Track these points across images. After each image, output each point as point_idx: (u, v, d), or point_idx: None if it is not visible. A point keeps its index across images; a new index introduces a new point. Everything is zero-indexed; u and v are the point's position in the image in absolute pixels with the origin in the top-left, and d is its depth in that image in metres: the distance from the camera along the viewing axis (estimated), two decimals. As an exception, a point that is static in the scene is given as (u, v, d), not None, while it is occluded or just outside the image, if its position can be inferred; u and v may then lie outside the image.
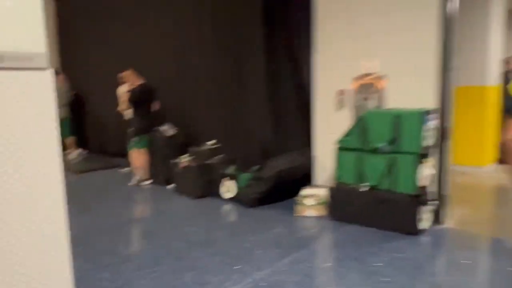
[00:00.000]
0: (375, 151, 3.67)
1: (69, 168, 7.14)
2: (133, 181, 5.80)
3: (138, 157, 5.86)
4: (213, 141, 5.41)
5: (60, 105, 7.89)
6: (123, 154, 7.11)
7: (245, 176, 4.72)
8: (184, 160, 5.24)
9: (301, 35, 4.59)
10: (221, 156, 5.14)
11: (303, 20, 4.59)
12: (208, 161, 5.13)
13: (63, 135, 8.06)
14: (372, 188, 3.72)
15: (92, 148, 8.86)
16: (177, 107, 6.31)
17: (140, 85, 5.81)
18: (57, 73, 8.20)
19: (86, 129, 8.85)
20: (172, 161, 5.40)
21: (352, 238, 3.57)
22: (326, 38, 4.40)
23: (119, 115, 6.72)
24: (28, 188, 1.64)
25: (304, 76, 4.62)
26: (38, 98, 1.65)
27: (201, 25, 5.81)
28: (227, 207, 4.71)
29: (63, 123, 7.96)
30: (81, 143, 8.77)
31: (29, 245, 1.64)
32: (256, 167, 4.87)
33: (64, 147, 8.22)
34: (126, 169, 6.76)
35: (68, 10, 9.07)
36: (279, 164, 4.38)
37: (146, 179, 5.89)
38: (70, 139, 8.20)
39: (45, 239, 1.70)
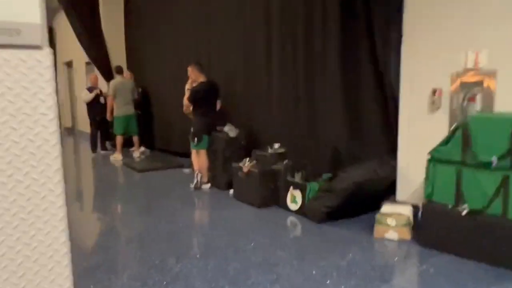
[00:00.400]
0: (482, 166, 2.90)
1: (132, 167, 7.02)
2: (194, 183, 5.45)
3: (198, 159, 5.50)
4: (278, 145, 4.88)
5: (127, 102, 7.84)
6: (187, 153, 6.85)
7: (314, 186, 4.13)
8: (246, 164, 4.77)
9: (386, 21, 3.89)
10: (286, 161, 4.59)
11: (388, 6, 3.89)
12: (273, 167, 4.61)
13: (129, 132, 8.02)
14: (476, 211, 2.96)
15: (157, 146, 8.76)
16: (240, 107, 5.88)
17: (202, 83, 5.45)
18: (123, 69, 8.16)
19: (152, 127, 8.76)
20: (233, 164, 4.96)
21: (446, 272, 2.84)
22: (417, 24, 3.67)
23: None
24: (26, 191, 1.20)
25: (389, 72, 3.91)
26: (30, 88, 1.17)
27: (269, 19, 5.30)
28: (292, 220, 4.16)
29: (129, 120, 7.93)
30: (146, 141, 8.71)
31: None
32: (327, 175, 4.26)
33: (129, 145, 8.18)
34: (188, 170, 6.48)
35: (135, 4, 9.07)
36: (355, 174, 3.72)
37: (206, 182, 5.51)
38: (136, 137, 8.13)
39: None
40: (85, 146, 9.92)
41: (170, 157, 7.92)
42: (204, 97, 5.39)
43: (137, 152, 8.17)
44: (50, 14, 13.61)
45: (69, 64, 13.61)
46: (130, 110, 7.93)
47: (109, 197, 5.43)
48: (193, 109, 5.55)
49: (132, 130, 8.04)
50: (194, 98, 5.39)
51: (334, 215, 3.87)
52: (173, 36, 7.67)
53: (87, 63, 11.01)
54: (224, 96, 5.76)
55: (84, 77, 11.39)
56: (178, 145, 7.80)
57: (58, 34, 14.18)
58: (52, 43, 14.34)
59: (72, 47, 12.10)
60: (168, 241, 3.58)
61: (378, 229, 3.52)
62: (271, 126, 5.33)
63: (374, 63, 4.06)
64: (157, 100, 8.54)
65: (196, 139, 5.43)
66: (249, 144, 5.40)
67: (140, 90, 8.47)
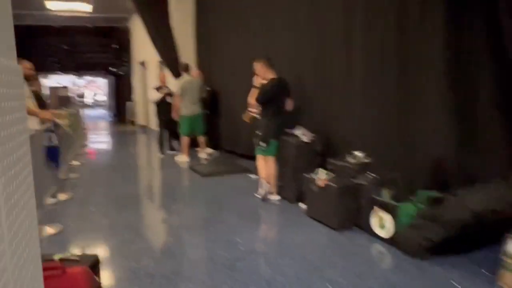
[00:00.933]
0: None
1: (196, 170, 6.56)
2: (259, 192, 4.80)
3: (265, 166, 4.83)
4: (362, 154, 4.03)
5: (194, 102, 7.42)
6: (254, 157, 6.25)
7: (408, 209, 3.24)
8: (322, 176, 3.99)
9: None
10: (372, 175, 3.74)
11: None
12: (354, 181, 3.79)
13: (195, 133, 7.60)
14: None
15: (223, 147, 8.27)
16: (313, 107, 5.08)
17: (272, 80, 4.76)
18: (190, 68, 7.76)
19: (219, 127, 8.28)
20: (306, 175, 4.21)
21: None
22: None
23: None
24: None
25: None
26: None
27: (350, 4, 4.44)
28: (380, 251, 3.31)
29: (195, 120, 7.51)
30: (213, 142, 8.25)
31: None
32: (424, 194, 3.34)
33: (196, 145, 7.78)
34: (255, 176, 5.85)
35: (206, 3, 8.64)
36: (471, 199, 2.77)
37: (274, 193, 4.83)
38: (202, 138, 7.69)
39: None
40: (155, 144, 9.78)
41: (236, 159, 7.37)
42: (274, 96, 4.70)
43: (203, 153, 7.74)
44: (126, 15, 13.85)
45: (143, 64, 13.76)
46: (197, 109, 7.51)
47: (167, 206, 4.97)
48: (262, 109, 4.89)
49: (199, 130, 7.61)
50: (263, 97, 4.73)
51: (437, 249, 2.97)
52: (243, 34, 7.08)
53: (160, 62, 10.90)
54: (296, 94, 5.02)
55: (156, 76, 11.32)
56: (245, 147, 7.21)
57: (133, 34, 14.44)
58: (128, 43, 14.64)
59: (146, 46, 12.13)
60: (226, 270, 2.95)
61: (504, 276, 2.56)
62: (352, 130, 4.48)
63: (499, 55, 3.04)
64: (225, 100, 8.03)
65: (263, 143, 4.76)
66: (324, 152, 4.61)
67: (208, 89, 8.02)
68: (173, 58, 8.96)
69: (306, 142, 4.62)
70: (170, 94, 8.15)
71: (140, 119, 14.52)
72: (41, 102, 5.85)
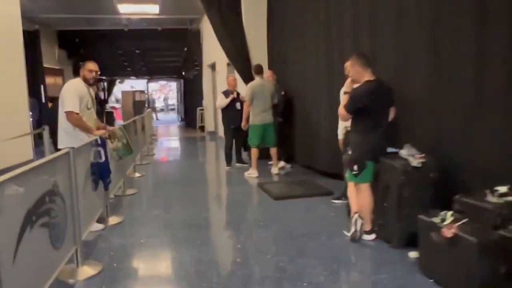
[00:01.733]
0: None
1: (267, 190, 5.59)
2: (351, 229, 3.68)
3: (359, 196, 3.71)
4: (507, 188, 2.77)
5: (265, 108, 6.49)
6: (338, 175, 5.16)
7: None
8: (447, 220, 2.79)
9: None
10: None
11: None
12: (501, 232, 2.55)
13: (266, 143, 6.66)
14: None
15: (298, 161, 7.23)
16: (426, 119, 3.84)
17: (368, 83, 3.63)
18: (262, 69, 6.82)
19: (293, 138, 7.25)
20: (423, 217, 3.02)
21: None
22: None
23: (335, 122, 4.79)
24: None
25: None
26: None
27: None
28: None
29: (267, 129, 6.57)
30: (286, 154, 7.24)
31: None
32: None
33: (267, 157, 6.83)
34: (340, 202, 4.77)
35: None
36: None
37: (369, 231, 3.69)
38: (274, 149, 6.71)
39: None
40: (223, 154, 9.03)
41: (314, 177, 6.30)
42: (370, 104, 3.56)
43: (275, 167, 6.76)
44: (196, 16, 13.39)
45: (213, 67, 13.17)
46: (268, 117, 6.56)
47: (230, 244, 4.05)
48: (352, 121, 3.79)
49: (270, 141, 6.65)
50: (355, 105, 3.61)
51: None
52: (323, 29, 5.98)
53: (228, 64, 10.15)
54: (400, 102, 3.84)
55: (225, 80, 10.59)
56: (325, 162, 6.12)
57: (204, 36, 13.93)
58: (198, 45, 14.16)
59: (216, 48, 11.48)
60: None
61: None
62: (487, 151, 3.20)
63: None
64: (301, 106, 6.99)
65: (356, 166, 3.64)
66: (443, 180, 3.38)
67: (282, 93, 7.05)
68: (243, 59, 8.11)
69: (416, 167, 3.41)
70: (239, 99, 7.29)
71: (209, 125, 13.97)
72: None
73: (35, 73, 12.18)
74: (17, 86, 8.18)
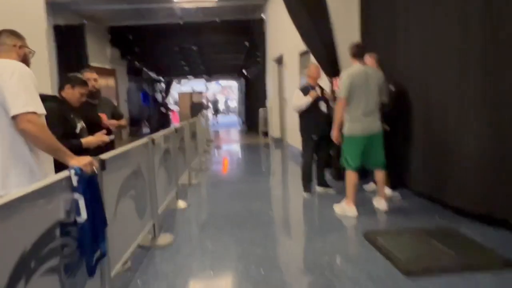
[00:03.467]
0: None
1: (382, 249, 3.29)
2: None
3: None
4: None
5: (369, 110, 4.21)
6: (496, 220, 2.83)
7: None
8: None
9: None
10: None
11: None
12: None
13: (370, 163, 4.39)
14: None
15: (412, 187, 4.86)
16: None
17: None
18: (364, 50, 4.50)
19: (409, 156, 4.86)
20: None
21: None
22: None
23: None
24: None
25: None
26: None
27: None
28: None
29: (371, 143, 4.27)
30: (398, 176, 4.89)
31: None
32: None
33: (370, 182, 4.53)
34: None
35: None
36: None
37: None
38: (381, 173, 4.39)
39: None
40: (294, 169, 6.82)
41: (452, 218, 3.92)
42: None
43: (381, 199, 4.42)
44: (260, 2, 11.35)
45: (279, 60, 11.03)
46: (374, 124, 4.26)
47: None
48: None
49: (376, 160, 4.35)
50: None
51: None
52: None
53: (302, 54, 7.95)
54: None
55: (297, 74, 8.38)
56: (469, 197, 3.73)
57: (269, 26, 11.83)
58: (262, 37, 12.09)
59: (284, 38, 9.35)
60: None
61: None
62: None
63: None
64: (419, 106, 4.60)
65: None
66: None
67: (391, 88, 4.70)
68: (327, 45, 5.86)
69: None
70: (324, 98, 5.06)
71: (274, 130, 11.80)
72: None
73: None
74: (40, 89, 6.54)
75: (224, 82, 32.08)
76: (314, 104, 4.99)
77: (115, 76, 14.40)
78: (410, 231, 3.72)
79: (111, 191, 2.61)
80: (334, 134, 4.42)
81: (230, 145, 13.21)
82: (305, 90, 5.08)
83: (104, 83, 13.82)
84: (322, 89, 5.17)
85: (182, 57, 17.22)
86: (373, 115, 4.24)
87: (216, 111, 24.54)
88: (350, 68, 4.29)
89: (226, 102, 32.94)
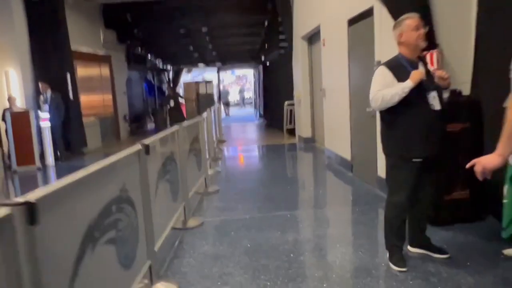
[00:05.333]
0: None
1: None
2: None
3: None
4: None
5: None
6: None
7: None
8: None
9: None
10: None
11: None
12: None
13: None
14: None
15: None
16: None
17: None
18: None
19: None
20: None
21: None
22: None
23: None
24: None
25: None
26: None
27: None
28: None
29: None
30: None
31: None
32: None
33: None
34: None
35: None
36: None
37: None
38: None
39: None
40: (335, 183, 4.47)
41: None
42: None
43: None
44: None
45: (310, 39, 8.55)
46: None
47: None
48: None
49: None
50: None
51: None
52: None
53: (352, 22, 5.48)
54: None
55: (345, 52, 5.88)
56: None
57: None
58: (289, 7, 9.60)
59: (323, 3, 6.90)
60: None
61: None
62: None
63: None
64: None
65: None
66: None
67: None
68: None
69: None
70: (436, 85, 2.65)
71: (302, 129, 9.32)
72: None
73: (57, 59, 8.56)
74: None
75: (239, 71, 29.56)
76: (419, 94, 2.56)
77: (110, 64, 12.11)
78: None
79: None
80: (483, 163, 1.99)
81: (246, 146, 10.70)
82: (398, 69, 2.65)
83: (96, 72, 11.58)
84: (427, 67, 2.75)
85: (191, 41, 14.81)
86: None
87: (227, 104, 21.91)
88: None
89: (241, 92, 30.33)
